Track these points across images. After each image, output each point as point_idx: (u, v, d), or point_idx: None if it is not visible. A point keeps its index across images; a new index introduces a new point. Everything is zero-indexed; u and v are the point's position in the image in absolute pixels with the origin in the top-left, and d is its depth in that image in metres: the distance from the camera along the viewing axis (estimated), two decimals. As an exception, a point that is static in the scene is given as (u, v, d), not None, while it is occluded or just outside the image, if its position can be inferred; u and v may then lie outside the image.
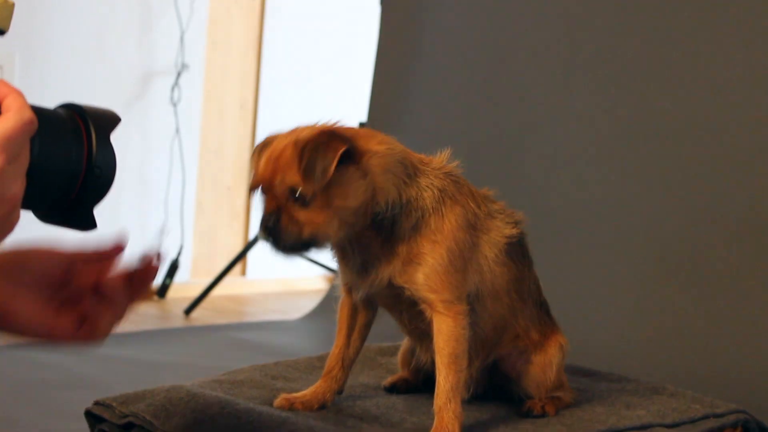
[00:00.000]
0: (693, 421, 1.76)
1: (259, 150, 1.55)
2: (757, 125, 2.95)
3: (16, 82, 4.24)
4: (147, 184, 4.84)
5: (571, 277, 3.16)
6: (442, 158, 1.63)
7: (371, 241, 1.56)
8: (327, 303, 3.99)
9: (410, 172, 1.56)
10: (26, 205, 1.06)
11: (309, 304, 4.60)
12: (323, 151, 1.46)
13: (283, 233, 1.49)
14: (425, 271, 1.56)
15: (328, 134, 1.49)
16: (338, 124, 1.57)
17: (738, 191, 2.95)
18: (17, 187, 1.00)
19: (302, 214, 1.48)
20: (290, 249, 1.51)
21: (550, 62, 3.48)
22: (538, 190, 3.37)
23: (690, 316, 2.93)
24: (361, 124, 4.40)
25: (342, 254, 1.62)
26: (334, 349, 1.72)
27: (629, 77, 3.26)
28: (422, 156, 1.61)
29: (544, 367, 1.76)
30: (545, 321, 1.80)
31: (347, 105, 5.05)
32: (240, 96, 5.22)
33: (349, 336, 1.72)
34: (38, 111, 1.06)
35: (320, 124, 1.57)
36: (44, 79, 4.35)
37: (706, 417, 1.78)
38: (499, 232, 1.66)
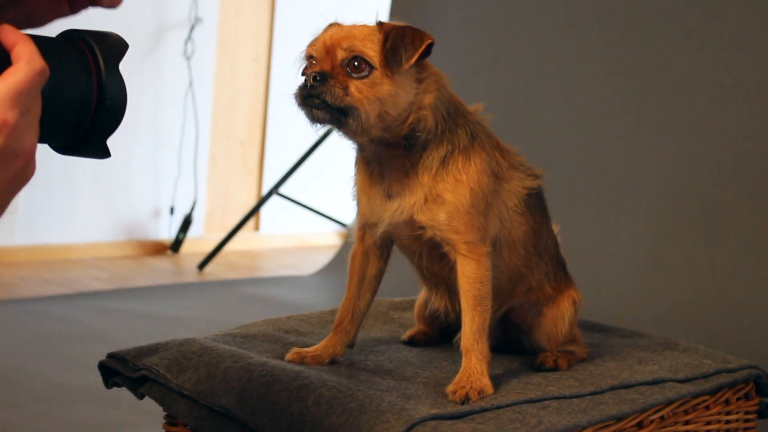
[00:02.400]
0: (705, 376, 1.76)
1: (324, 30, 1.57)
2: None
3: (29, 36, 4.23)
4: (160, 138, 4.84)
5: (584, 232, 3.16)
6: (477, 108, 1.66)
7: (400, 162, 1.57)
8: (340, 258, 4.00)
9: (451, 109, 1.58)
10: (39, 140, 1.05)
11: (322, 260, 4.61)
12: (409, 40, 1.49)
13: (327, 90, 1.49)
14: (448, 209, 1.56)
15: (412, 28, 1.52)
16: None
17: (754, 146, 2.94)
18: (31, 138, 0.98)
19: (354, 84, 1.49)
20: (324, 108, 1.50)
21: (564, 18, 3.45)
22: (551, 145, 3.36)
23: (703, 271, 2.93)
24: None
25: (368, 176, 1.62)
26: (345, 300, 1.72)
27: (642, 32, 3.24)
28: (462, 100, 1.64)
29: (555, 319, 1.77)
30: (560, 277, 1.80)
31: (361, 59, 5.04)
32: (253, 50, 5.20)
33: (359, 286, 1.72)
34: (45, 45, 1.05)
35: None
36: (54, 32, 4.34)
37: (718, 372, 1.78)
38: (520, 182, 1.67)
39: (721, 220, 2.96)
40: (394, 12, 4.00)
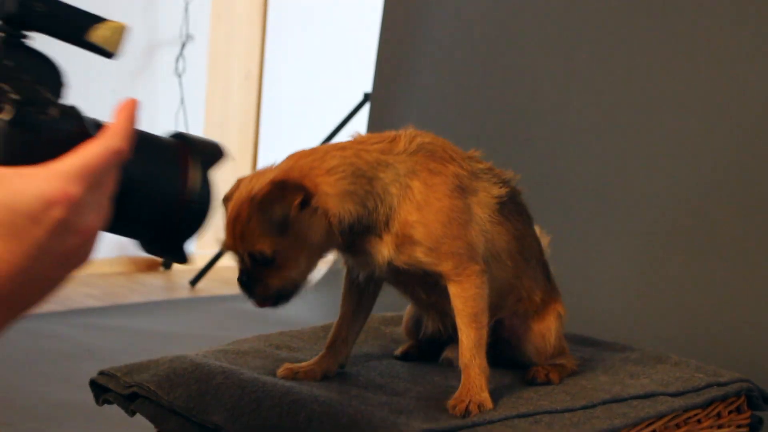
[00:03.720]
0: (697, 390, 1.76)
1: (225, 202, 1.54)
2: (764, 97, 2.94)
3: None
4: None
5: (576, 246, 3.16)
6: (407, 136, 1.60)
7: (355, 242, 1.57)
8: (333, 273, 3.99)
9: (369, 176, 1.54)
10: (115, 230, 1.05)
11: (314, 275, 4.61)
12: (278, 205, 1.45)
13: (256, 296, 1.52)
14: (422, 247, 1.55)
15: (280, 186, 1.47)
16: (286, 170, 1.52)
17: (745, 162, 2.94)
18: (94, 218, 0.95)
19: (269, 273, 1.49)
20: (271, 305, 1.53)
21: (556, 33, 3.47)
22: (543, 160, 3.37)
23: (694, 285, 2.93)
24: (366, 95, 4.40)
25: (339, 249, 1.62)
26: (338, 321, 1.72)
27: (635, 49, 3.25)
28: (382, 145, 1.58)
29: (542, 333, 1.77)
30: (547, 284, 1.80)
31: (352, 76, 5.04)
32: (245, 67, 5.21)
33: (353, 309, 1.72)
34: (143, 136, 1.05)
35: (272, 167, 1.54)
36: (47, 51, 4.34)
37: (709, 386, 1.78)
38: (487, 192, 1.64)
39: (713, 234, 2.96)
40: (385, 30, 4.01)
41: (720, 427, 1.80)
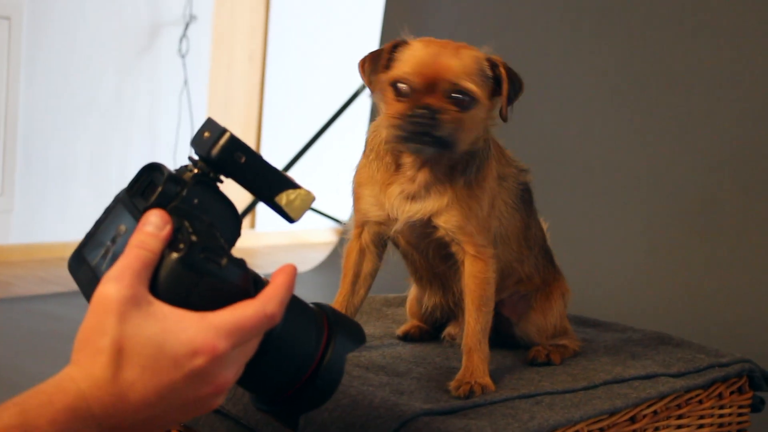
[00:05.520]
0: (698, 371, 1.76)
1: (424, 44, 1.56)
2: (766, 77, 2.93)
3: (24, 34, 4.22)
4: (156, 137, 4.84)
5: (579, 227, 3.16)
6: None
7: (442, 171, 1.58)
8: (335, 255, 4.00)
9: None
10: (242, 384, 1.07)
11: (318, 257, 4.62)
12: (518, 85, 1.59)
13: (442, 124, 1.50)
14: (464, 214, 1.58)
15: (518, 76, 1.60)
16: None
17: (748, 142, 2.94)
18: (231, 374, 0.98)
19: (457, 117, 1.50)
20: (434, 144, 1.51)
21: (559, 15, 3.46)
22: (547, 140, 3.36)
23: (696, 266, 2.93)
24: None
25: (388, 175, 1.61)
26: (338, 296, 1.72)
27: (638, 26, 3.24)
28: None
29: (545, 312, 1.78)
30: (549, 268, 1.81)
31: (356, 56, 5.03)
32: (248, 48, 5.20)
33: (354, 283, 1.72)
34: (295, 302, 1.08)
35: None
36: (52, 31, 4.33)
37: (711, 366, 1.78)
38: (515, 179, 1.69)
39: (715, 216, 2.96)
40: (388, 12, 4.00)
41: (721, 407, 1.80)
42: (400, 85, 1.53)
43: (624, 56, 3.26)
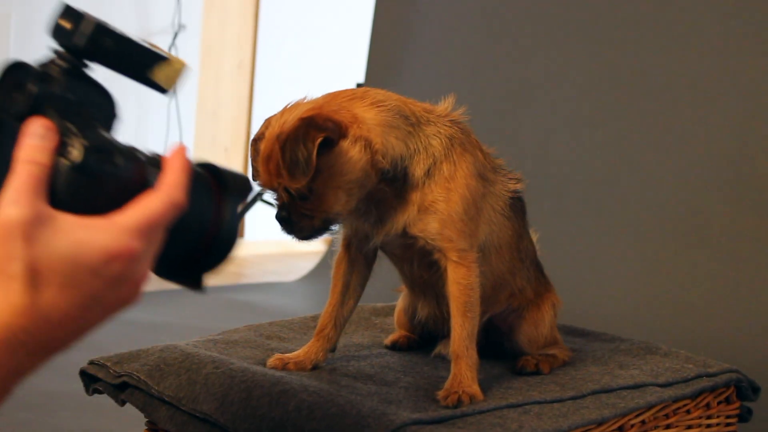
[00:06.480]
0: (686, 381, 1.76)
1: (254, 144, 1.56)
2: (754, 86, 2.94)
3: (12, 43, 4.22)
4: (144, 145, 4.82)
5: (567, 238, 3.17)
6: (446, 105, 1.63)
7: (385, 194, 1.56)
8: (324, 265, 4.00)
9: (413, 121, 1.56)
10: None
11: (306, 266, 4.61)
12: (302, 144, 1.44)
13: (296, 228, 1.51)
14: (440, 218, 1.56)
15: (305, 124, 1.46)
16: (322, 104, 1.52)
17: (736, 153, 2.95)
18: (146, 267, 0.97)
19: (309, 206, 1.49)
20: (309, 238, 1.53)
21: (549, 24, 3.46)
22: (535, 151, 3.37)
23: (684, 277, 2.94)
24: (358, 85, 4.40)
25: (356, 213, 1.61)
26: (328, 307, 1.72)
27: (626, 38, 3.25)
28: (425, 104, 1.60)
29: (535, 322, 1.78)
30: (540, 280, 1.81)
31: (345, 65, 5.03)
32: (237, 57, 5.20)
33: (343, 294, 1.72)
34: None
35: (306, 101, 1.55)
36: (40, 41, 4.33)
37: (699, 376, 1.78)
38: (504, 185, 1.67)
39: (703, 226, 2.97)
40: (377, 20, 4.01)
41: (709, 417, 1.80)
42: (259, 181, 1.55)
43: (615, 67, 3.27)
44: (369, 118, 1.51)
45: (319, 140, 1.44)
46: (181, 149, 1.02)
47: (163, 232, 0.98)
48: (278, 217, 1.53)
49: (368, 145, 1.49)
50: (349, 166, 1.49)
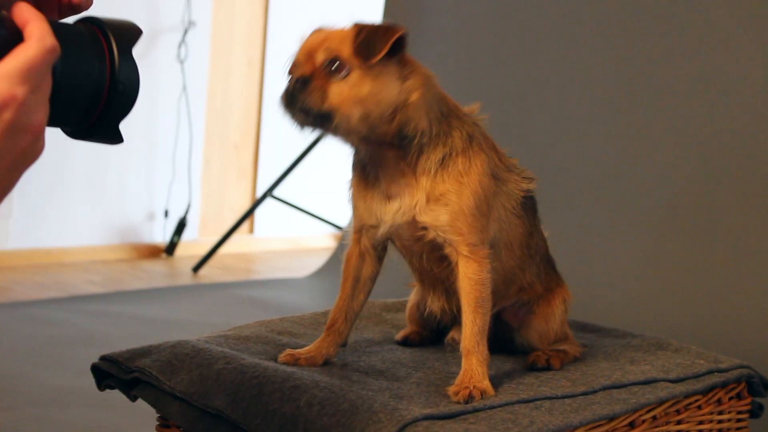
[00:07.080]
0: (697, 376, 1.76)
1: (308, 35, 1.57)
2: (762, 81, 2.94)
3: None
4: (154, 142, 4.84)
5: (577, 233, 3.17)
6: (473, 108, 1.66)
7: (395, 163, 1.57)
8: (334, 261, 4.00)
9: (444, 110, 1.59)
10: (51, 123, 1.07)
11: (317, 262, 4.61)
12: (382, 32, 1.49)
13: (307, 96, 1.49)
14: (452, 210, 1.57)
15: (388, 23, 1.52)
16: None
17: (746, 147, 2.94)
18: (41, 115, 0.99)
19: (333, 87, 1.49)
20: (306, 113, 1.51)
21: (558, 21, 3.46)
22: (544, 146, 3.37)
23: (695, 272, 2.93)
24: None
25: (364, 178, 1.62)
26: (338, 301, 1.72)
27: (635, 34, 3.25)
28: (457, 102, 1.64)
29: (546, 317, 1.78)
30: (551, 276, 1.81)
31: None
32: (247, 53, 5.20)
33: (353, 288, 1.72)
34: (59, 28, 1.06)
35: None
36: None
37: (710, 372, 1.78)
38: (516, 185, 1.68)
39: (713, 222, 2.96)
40: (387, 13, 4.01)
41: (720, 413, 1.80)
42: (293, 65, 1.55)
43: (624, 63, 3.26)
44: (423, 76, 1.58)
45: (400, 33, 1.50)
46: (22, 5, 1.02)
47: (47, 78, 1.00)
48: (286, 90, 1.52)
49: (412, 89, 1.53)
50: (388, 89, 1.52)
